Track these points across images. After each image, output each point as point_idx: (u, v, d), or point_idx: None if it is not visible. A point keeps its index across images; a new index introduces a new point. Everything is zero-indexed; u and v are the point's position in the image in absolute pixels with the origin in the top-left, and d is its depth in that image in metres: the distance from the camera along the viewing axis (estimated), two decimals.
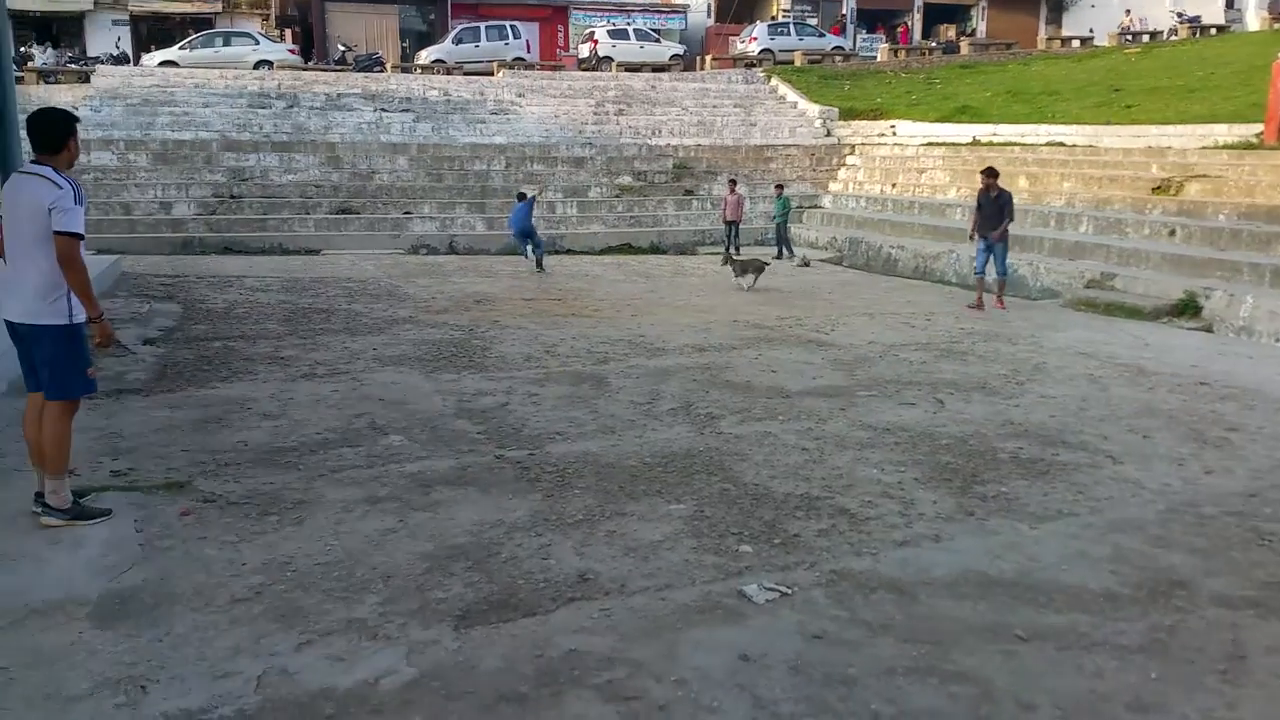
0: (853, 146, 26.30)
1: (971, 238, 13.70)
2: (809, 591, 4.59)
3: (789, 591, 4.57)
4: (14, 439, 6.51)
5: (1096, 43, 36.03)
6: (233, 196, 21.26)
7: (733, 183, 21.26)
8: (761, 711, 3.59)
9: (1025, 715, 3.62)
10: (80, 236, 4.97)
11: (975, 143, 23.23)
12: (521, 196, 18.36)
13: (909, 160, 23.99)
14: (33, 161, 5.14)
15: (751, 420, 7.57)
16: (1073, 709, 3.67)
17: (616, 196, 23.71)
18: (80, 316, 5.10)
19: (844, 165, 25.73)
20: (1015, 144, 22.23)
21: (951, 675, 3.88)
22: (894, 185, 23.44)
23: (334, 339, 10.42)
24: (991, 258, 13.36)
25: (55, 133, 5.11)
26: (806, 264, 18.86)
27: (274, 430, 7.05)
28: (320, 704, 3.60)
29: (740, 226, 20.49)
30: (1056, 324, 12.27)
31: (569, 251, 20.83)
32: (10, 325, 5.16)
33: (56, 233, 4.91)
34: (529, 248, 17.68)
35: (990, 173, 13.45)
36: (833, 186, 24.92)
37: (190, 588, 4.51)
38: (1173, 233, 15.33)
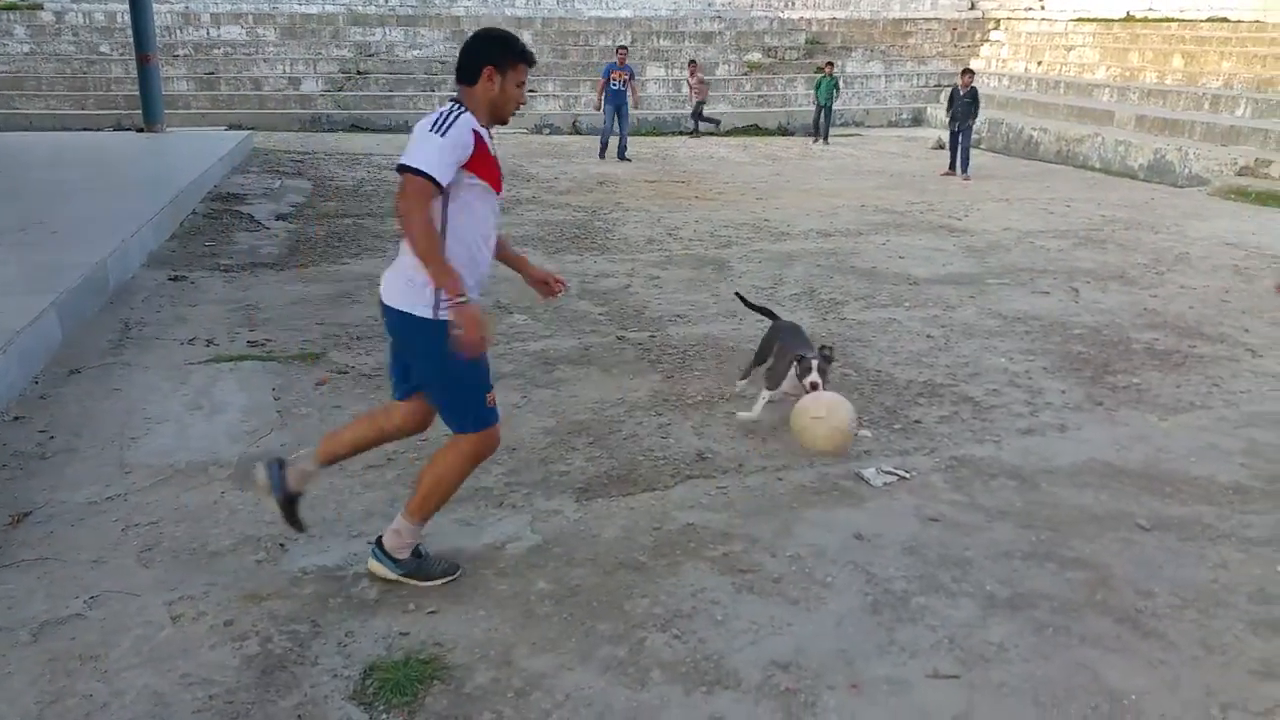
0: (997, 21, 25.06)
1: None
2: (927, 476, 4.57)
3: (907, 476, 4.56)
4: (154, 309, 6.85)
5: None
6: (360, 73, 21.50)
7: (692, 64, 20.55)
8: (874, 588, 3.62)
9: (1142, 602, 3.57)
10: (419, 173, 3.08)
11: (1129, 18, 21.87)
12: None
13: (1056, 37, 22.76)
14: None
15: (876, 307, 7.47)
16: (1192, 598, 3.60)
17: (745, 75, 23.18)
18: (446, 313, 3.16)
19: (987, 41, 24.60)
20: (1172, 19, 20.85)
21: (1069, 561, 3.84)
22: (1039, 63, 22.33)
23: None
24: None
25: (464, 60, 3.33)
26: (942, 146, 18.22)
27: None
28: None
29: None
30: (1203, 212, 11.67)
31: (694, 133, 20.55)
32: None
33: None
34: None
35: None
36: (974, 64, 23.79)
37: None
38: None
